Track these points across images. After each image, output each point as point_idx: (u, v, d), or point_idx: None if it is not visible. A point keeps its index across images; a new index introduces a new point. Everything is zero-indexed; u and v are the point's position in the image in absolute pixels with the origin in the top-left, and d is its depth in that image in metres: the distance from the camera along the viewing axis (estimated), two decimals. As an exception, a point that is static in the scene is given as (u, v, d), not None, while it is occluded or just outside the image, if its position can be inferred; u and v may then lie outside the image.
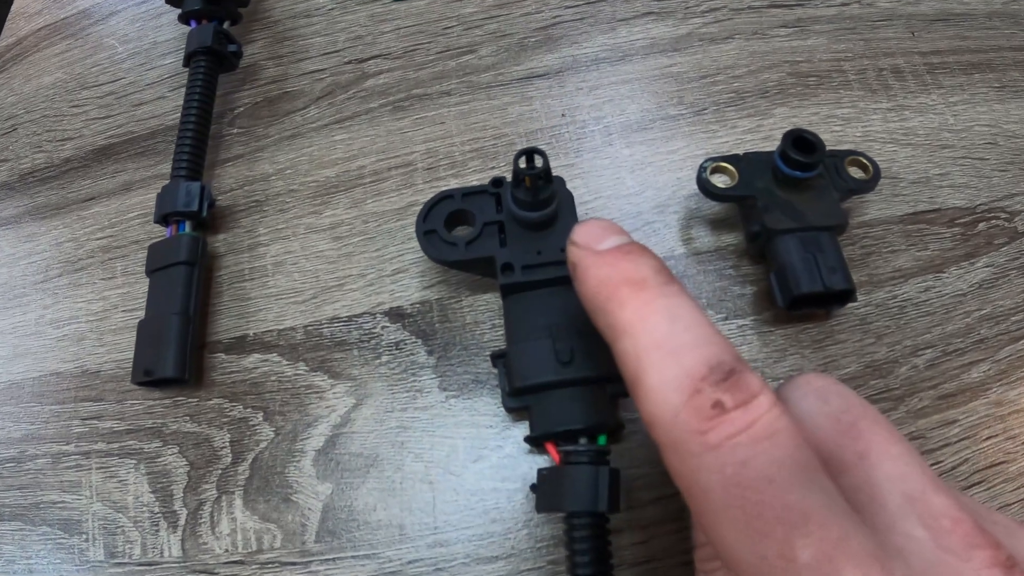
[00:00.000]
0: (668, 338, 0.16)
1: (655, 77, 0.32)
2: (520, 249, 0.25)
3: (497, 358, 0.25)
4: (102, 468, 0.29)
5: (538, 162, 0.24)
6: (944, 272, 0.28)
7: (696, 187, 0.28)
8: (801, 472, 0.14)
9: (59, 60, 0.40)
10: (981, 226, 0.29)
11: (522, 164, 0.24)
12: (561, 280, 0.25)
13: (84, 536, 0.28)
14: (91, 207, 0.35)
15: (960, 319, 0.27)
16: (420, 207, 0.30)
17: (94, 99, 0.37)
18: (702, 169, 0.27)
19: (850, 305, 0.27)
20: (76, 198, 0.35)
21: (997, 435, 0.25)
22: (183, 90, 0.35)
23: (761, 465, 0.14)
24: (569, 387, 0.23)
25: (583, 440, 0.23)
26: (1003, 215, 0.29)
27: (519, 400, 0.24)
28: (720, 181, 0.27)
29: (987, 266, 0.28)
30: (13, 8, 0.43)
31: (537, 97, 0.32)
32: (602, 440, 0.23)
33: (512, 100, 0.32)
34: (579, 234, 0.20)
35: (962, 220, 0.29)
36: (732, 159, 0.27)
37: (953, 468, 0.25)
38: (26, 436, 0.31)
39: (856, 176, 0.28)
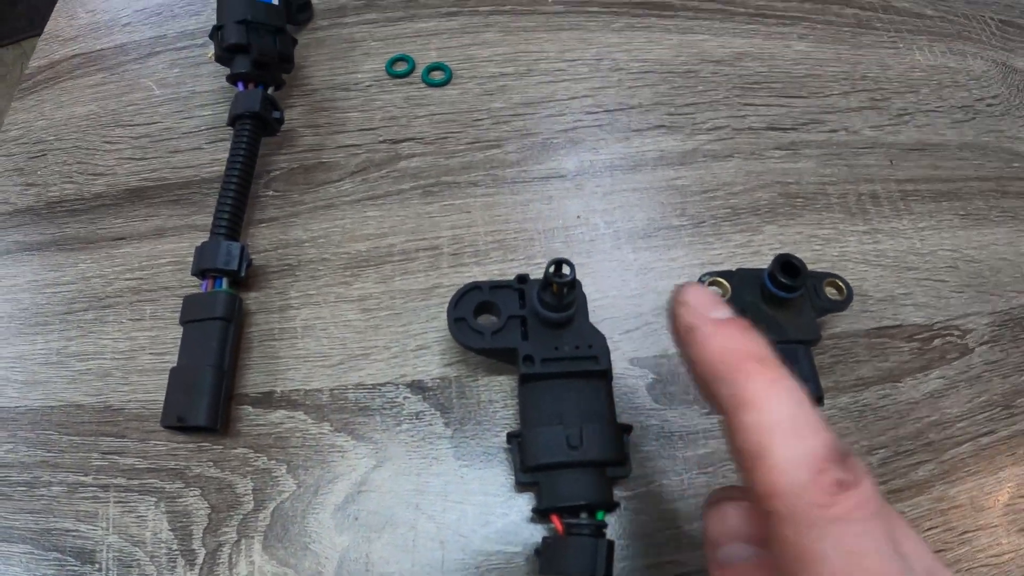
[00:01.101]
0: (794, 418, 0.17)
1: (662, 188, 0.37)
2: (540, 343, 0.29)
3: (513, 437, 0.29)
4: (121, 502, 0.31)
5: (566, 271, 0.28)
6: (901, 382, 0.33)
7: (691, 295, 0.31)
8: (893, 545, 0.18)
9: (93, 92, 0.41)
10: (936, 342, 0.33)
11: (552, 272, 0.27)
12: (574, 374, 0.29)
13: (97, 566, 0.30)
14: (121, 247, 0.37)
15: (912, 424, 0.32)
16: (445, 290, 0.34)
17: (128, 138, 0.39)
18: (700, 282, 0.31)
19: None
20: (106, 235, 0.37)
21: (937, 526, 0.29)
22: (221, 144, 0.38)
23: (875, 538, 0.17)
24: (576, 468, 0.27)
25: (584, 515, 0.27)
26: (956, 332, 0.34)
27: (530, 476, 0.28)
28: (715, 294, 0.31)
29: (939, 378, 0.33)
30: (47, 29, 0.44)
31: (556, 196, 0.35)
32: (600, 515, 0.27)
33: (533, 197, 0.35)
34: (692, 296, 0.20)
35: (920, 336, 0.34)
36: (727, 275, 0.32)
37: None
38: (41, 462, 0.32)
39: (832, 296, 0.32)
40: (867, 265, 0.35)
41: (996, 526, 0.29)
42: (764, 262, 0.31)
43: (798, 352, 0.31)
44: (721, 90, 0.40)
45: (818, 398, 0.30)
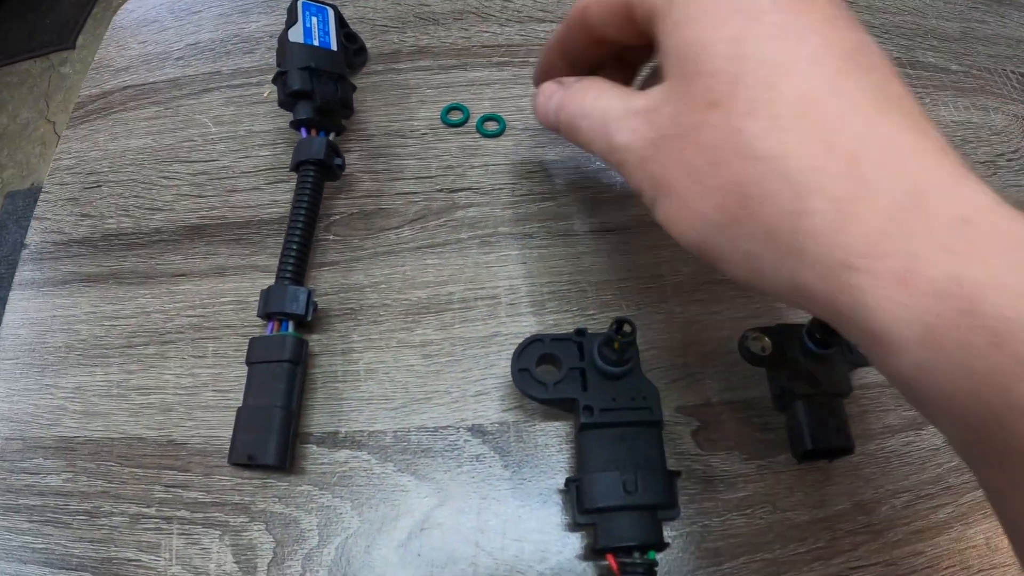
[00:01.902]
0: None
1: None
2: (598, 394, 0.31)
3: (571, 481, 0.31)
4: (184, 534, 0.32)
5: (627, 330, 0.30)
6: (923, 430, 0.35)
7: (734, 346, 0.34)
8: None
9: (147, 126, 0.43)
10: (952, 397, 0.36)
11: (614, 330, 0.29)
12: (630, 423, 0.31)
13: None
14: (181, 283, 0.38)
15: (933, 469, 0.34)
16: (502, 338, 0.36)
17: (186, 175, 0.41)
18: (744, 337, 0.33)
19: (838, 458, 0.34)
20: (166, 271, 0.38)
21: (955, 565, 0.32)
22: (280, 185, 0.39)
23: None
24: (631, 511, 0.29)
25: (636, 554, 0.29)
26: None
27: (587, 517, 0.30)
28: (757, 347, 0.33)
29: (958, 429, 0.35)
30: (97, 58, 0.45)
31: (607, 251, 0.37)
32: (652, 555, 0.29)
33: (586, 250, 0.38)
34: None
35: (939, 391, 0.36)
36: (768, 330, 0.34)
37: None
38: (101, 492, 0.34)
39: (864, 352, 0.34)
40: None
41: (1008, 565, 0.32)
42: (803, 317, 0.33)
43: (832, 403, 0.33)
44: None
45: (849, 448, 0.32)
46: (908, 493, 0.33)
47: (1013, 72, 0.46)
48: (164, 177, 0.41)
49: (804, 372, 0.33)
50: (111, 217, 0.40)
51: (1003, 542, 0.33)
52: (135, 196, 0.41)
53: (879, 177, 0.20)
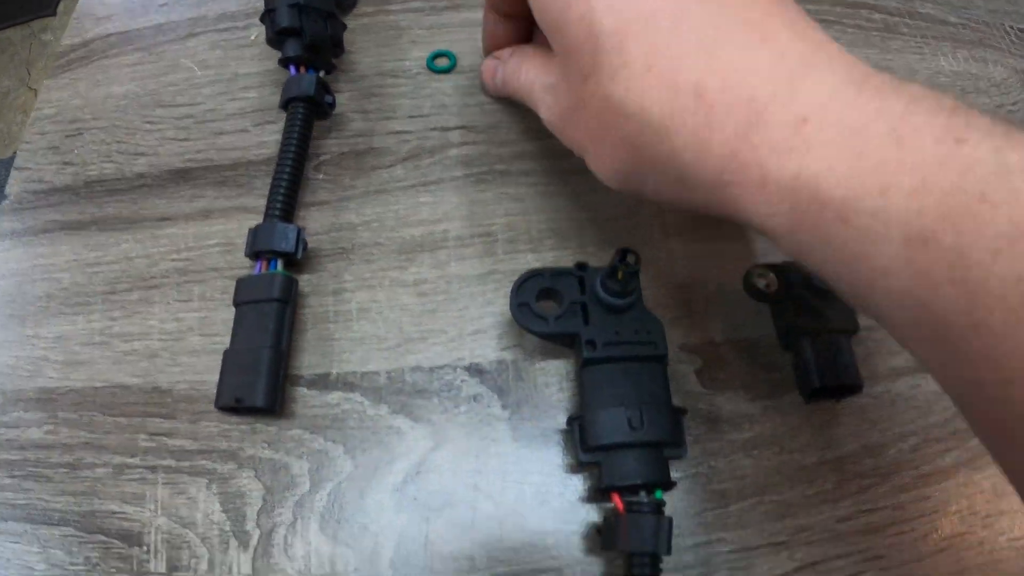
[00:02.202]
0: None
1: (707, 181, 0.37)
2: (601, 328, 0.30)
3: (573, 419, 0.30)
4: (170, 484, 0.31)
5: (632, 260, 0.28)
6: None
7: (738, 284, 0.33)
8: None
9: (131, 72, 0.41)
10: (960, 339, 0.35)
11: (619, 260, 0.28)
12: (634, 357, 0.30)
13: (145, 548, 0.30)
14: (165, 227, 0.36)
15: (940, 413, 0.33)
16: (500, 276, 0.34)
17: (171, 119, 0.39)
18: (749, 274, 0.32)
19: (846, 398, 0.33)
20: (150, 216, 0.37)
21: (962, 510, 0.31)
22: (268, 126, 0.38)
23: None
24: (636, 448, 0.28)
25: (643, 493, 0.28)
26: None
27: (591, 456, 0.29)
28: (762, 284, 0.32)
29: (965, 371, 0.34)
30: (79, 8, 0.43)
31: (607, 188, 0.36)
32: (659, 494, 0.28)
33: (587, 188, 0.36)
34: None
35: (946, 333, 0.35)
36: (774, 267, 0.33)
37: (925, 535, 0.30)
38: (84, 444, 0.32)
39: (868, 291, 0.33)
40: None
41: (1017, 511, 0.31)
42: None
43: (839, 341, 0.32)
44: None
45: (857, 386, 0.31)
46: (915, 436, 0.32)
47: (1011, 27, 0.45)
48: (148, 122, 0.39)
49: (810, 308, 0.32)
50: (93, 164, 0.38)
51: (1009, 488, 0.32)
52: (118, 142, 0.39)
53: (722, 102, 0.23)
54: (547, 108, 0.32)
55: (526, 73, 0.33)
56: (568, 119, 0.30)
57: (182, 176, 0.37)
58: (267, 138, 0.38)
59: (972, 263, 0.18)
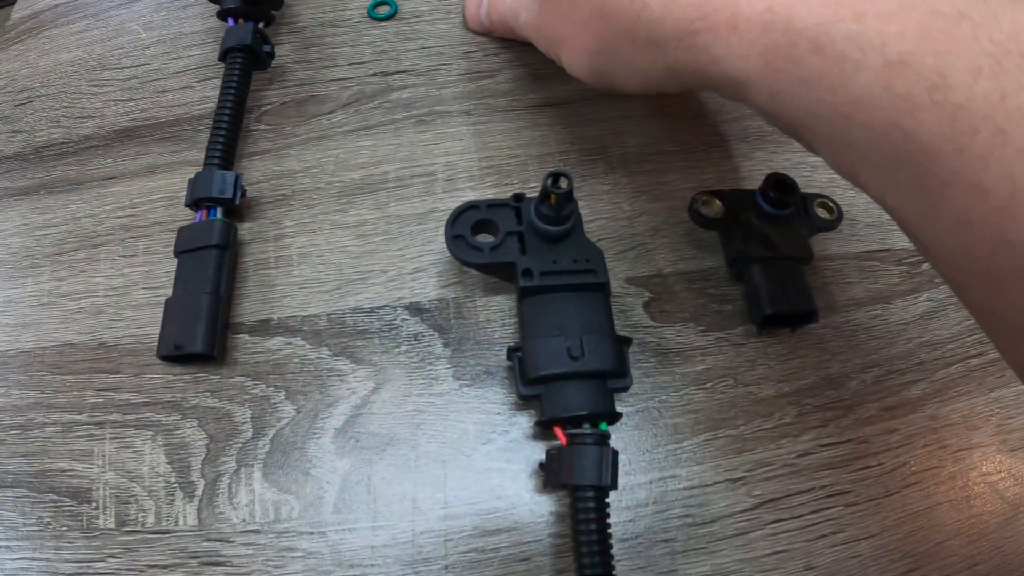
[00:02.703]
0: None
1: (652, 115, 0.36)
2: (538, 257, 0.29)
3: (513, 351, 0.28)
4: (116, 439, 0.30)
5: (564, 183, 0.27)
6: (891, 303, 0.33)
7: (686, 216, 0.32)
8: None
9: (78, 39, 0.41)
10: (924, 266, 0.34)
11: (550, 183, 0.27)
12: (573, 287, 0.29)
13: (94, 504, 0.29)
14: (111, 186, 0.36)
15: (903, 344, 0.32)
16: (440, 214, 0.33)
17: (116, 81, 0.39)
18: (694, 200, 0.31)
19: (811, 326, 0.32)
20: (96, 176, 0.36)
21: (931, 444, 0.30)
22: (210, 82, 0.38)
23: None
24: (577, 379, 0.27)
25: (587, 425, 0.27)
26: None
27: (531, 388, 0.28)
28: (709, 212, 0.31)
29: (928, 301, 0.33)
30: (27, -19, 0.43)
31: (548, 124, 0.35)
32: (603, 426, 0.27)
33: (526, 125, 0.35)
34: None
35: (908, 260, 0.34)
36: (719, 194, 0.32)
37: (893, 469, 0.29)
38: (34, 404, 0.32)
39: (822, 216, 0.32)
40: (855, 191, 0.35)
41: (988, 445, 0.30)
42: (754, 186, 0.31)
43: (791, 268, 0.31)
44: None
45: (811, 313, 0.30)
46: (878, 368, 0.31)
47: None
48: (94, 86, 0.39)
49: (759, 235, 0.31)
50: (42, 130, 0.38)
51: (980, 422, 0.30)
52: (65, 107, 0.38)
53: None
54: (526, 10, 0.33)
55: None
56: (543, 12, 0.31)
57: (127, 135, 0.37)
58: (210, 93, 0.37)
59: (954, 83, 0.18)
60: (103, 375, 0.32)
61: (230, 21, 0.36)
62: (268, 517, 0.28)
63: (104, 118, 0.38)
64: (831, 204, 0.33)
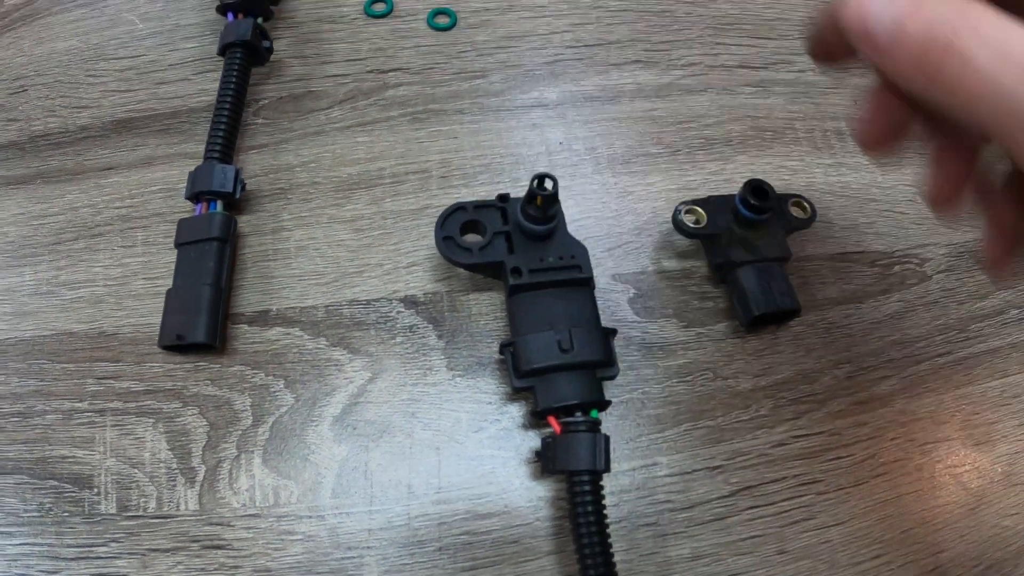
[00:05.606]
0: None
1: (639, 119, 0.37)
2: (525, 256, 0.30)
3: (505, 346, 0.29)
4: (117, 426, 0.31)
5: (549, 185, 0.28)
6: (864, 303, 0.34)
7: (668, 217, 0.33)
8: None
9: (74, 28, 0.40)
10: (896, 268, 0.35)
11: (536, 185, 0.28)
12: (560, 283, 0.30)
13: (95, 490, 0.30)
14: (109, 176, 0.36)
15: (875, 342, 0.33)
16: (434, 210, 0.34)
17: (113, 71, 0.39)
18: (677, 211, 0.32)
19: (787, 323, 0.33)
20: (94, 166, 0.36)
21: (899, 438, 0.31)
22: (208, 75, 0.38)
23: None
24: (568, 370, 0.28)
25: (579, 414, 0.28)
26: (916, 260, 0.35)
27: (524, 381, 0.29)
28: (691, 220, 0.32)
29: (899, 301, 0.34)
30: (21, -32, 0.43)
31: (539, 124, 0.36)
32: (594, 413, 0.28)
33: (517, 124, 0.36)
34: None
35: (881, 262, 0.35)
36: (701, 202, 0.33)
37: (863, 460, 0.30)
38: (34, 392, 0.32)
39: (797, 215, 0.34)
40: (832, 195, 0.36)
41: (953, 439, 0.31)
42: (736, 189, 0.32)
43: (773, 269, 0.32)
44: (695, 29, 0.40)
45: (795, 310, 0.31)
46: (850, 364, 0.32)
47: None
48: (91, 76, 0.38)
49: (741, 240, 0.32)
50: (38, 119, 0.38)
51: (946, 417, 0.32)
52: (61, 96, 0.38)
53: None
54: None
55: None
56: None
57: (125, 126, 0.37)
58: (207, 86, 0.37)
59: None
60: (103, 363, 0.32)
61: (230, 16, 0.36)
62: (268, 502, 0.29)
63: (101, 108, 0.38)
64: (805, 204, 0.34)
